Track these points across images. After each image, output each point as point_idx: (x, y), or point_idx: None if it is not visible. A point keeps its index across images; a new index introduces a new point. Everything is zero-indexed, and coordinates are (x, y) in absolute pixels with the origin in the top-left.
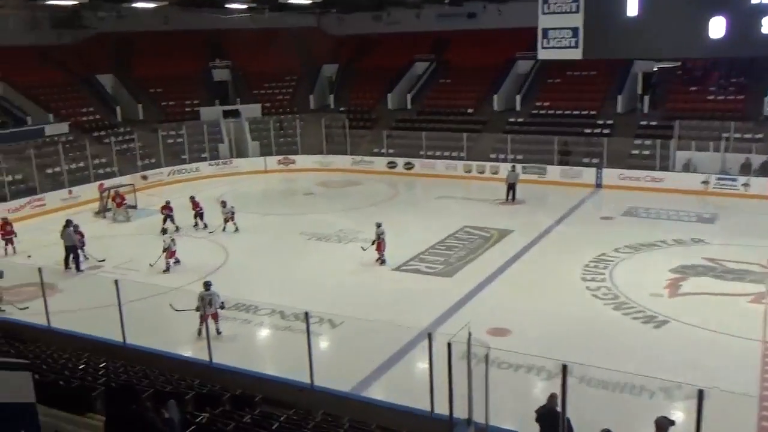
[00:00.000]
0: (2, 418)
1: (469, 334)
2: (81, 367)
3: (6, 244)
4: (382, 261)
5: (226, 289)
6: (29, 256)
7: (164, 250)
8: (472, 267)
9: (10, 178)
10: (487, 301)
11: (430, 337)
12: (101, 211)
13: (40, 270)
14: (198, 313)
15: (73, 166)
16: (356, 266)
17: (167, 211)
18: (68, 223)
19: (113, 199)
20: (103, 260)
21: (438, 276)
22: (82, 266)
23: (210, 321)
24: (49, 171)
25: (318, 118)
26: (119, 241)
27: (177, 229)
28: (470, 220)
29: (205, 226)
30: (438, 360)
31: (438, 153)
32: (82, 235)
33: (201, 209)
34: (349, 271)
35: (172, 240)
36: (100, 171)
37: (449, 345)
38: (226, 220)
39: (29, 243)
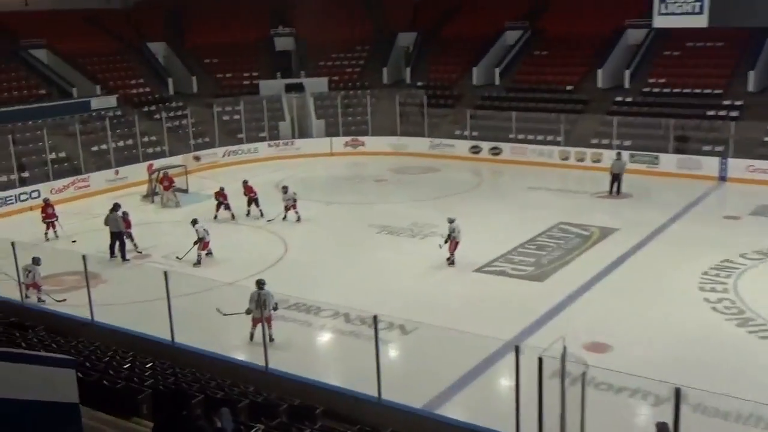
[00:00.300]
0: (44, 418)
1: (564, 348)
2: (126, 366)
3: (47, 228)
4: (451, 262)
5: (284, 286)
6: (74, 241)
7: (197, 242)
8: (567, 270)
9: (53, 155)
10: (585, 310)
11: (517, 350)
12: (149, 195)
13: (84, 258)
14: (250, 316)
15: (121, 144)
16: (432, 265)
17: (222, 198)
18: (115, 207)
19: (161, 182)
20: (141, 251)
21: (527, 280)
22: (129, 255)
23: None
24: (95, 149)
25: (392, 95)
26: (167, 229)
27: (233, 217)
28: (566, 216)
29: (261, 214)
30: (526, 377)
31: (530, 137)
32: (130, 225)
33: (255, 195)
34: (424, 270)
35: (206, 230)
36: (149, 150)
37: (540, 360)
38: (286, 208)
39: (72, 227)
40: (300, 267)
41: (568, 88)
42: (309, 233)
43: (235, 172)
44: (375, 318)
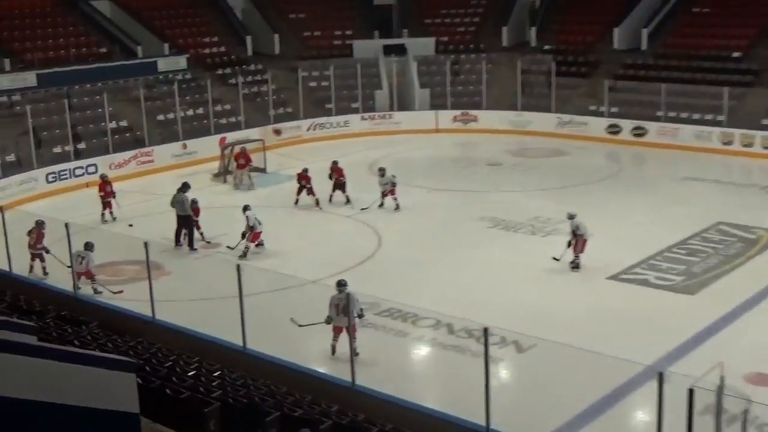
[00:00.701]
0: (100, 427)
1: (721, 379)
2: (191, 373)
3: (104, 208)
4: (575, 266)
5: (375, 288)
6: (131, 225)
7: (246, 233)
8: (726, 282)
9: (113, 124)
10: (747, 333)
11: (660, 378)
12: (221, 173)
13: (146, 245)
14: (330, 325)
15: (190, 112)
16: (554, 268)
17: (305, 180)
18: (184, 187)
19: (237, 159)
20: (209, 241)
21: (675, 292)
22: (196, 244)
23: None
24: (161, 118)
25: (512, 60)
26: (241, 215)
27: (317, 204)
28: (727, 215)
29: (347, 200)
30: (670, 411)
31: (684, 115)
32: (198, 212)
33: (344, 179)
34: (545, 274)
35: (257, 219)
36: (222, 121)
37: (690, 392)
38: (383, 194)
39: (131, 209)
40: (395, 265)
41: (735, 54)
42: (407, 225)
43: (322, 149)
44: (485, 331)
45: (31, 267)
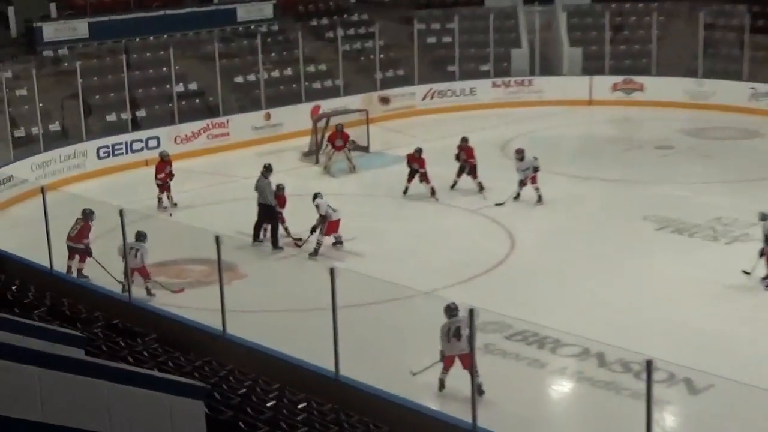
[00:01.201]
0: None
1: None
2: (270, 404)
3: (161, 192)
4: None
5: (505, 303)
6: (170, 214)
7: (318, 225)
8: None
9: (180, 87)
10: None
11: None
12: (312, 152)
13: (217, 240)
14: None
15: (276, 74)
16: (743, 286)
17: (418, 164)
18: (266, 169)
19: (332, 140)
20: (298, 239)
21: None
22: (281, 241)
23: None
24: (239, 80)
25: (692, 12)
26: (336, 204)
27: (432, 193)
28: None
29: (480, 188)
30: None
31: None
32: (284, 203)
33: (474, 161)
34: (730, 293)
35: (330, 207)
36: (317, 85)
37: None
38: (522, 183)
39: (199, 193)
40: (531, 275)
41: None
42: (549, 223)
43: (440, 124)
44: (648, 364)
45: (69, 267)
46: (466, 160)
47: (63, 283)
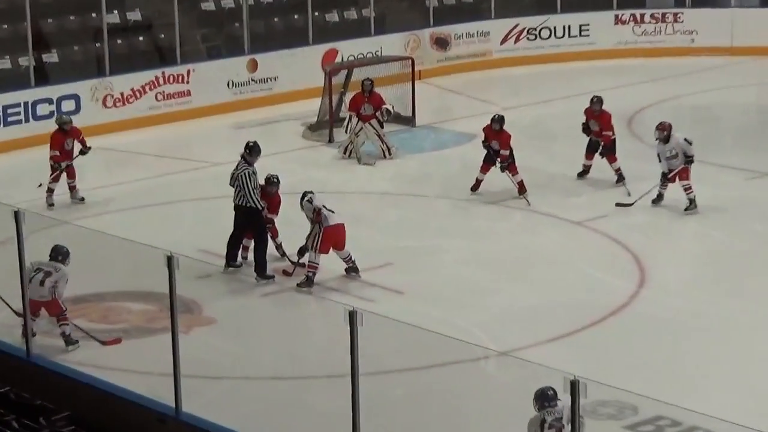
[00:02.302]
0: None
1: None
2: None
3: (53, 179)
4: None
5: (625, 370)
6: (40, 185)
7: (310, 243)
8: None
9: (113, 16)
10: None
11: None
12: (325, 124)
13: (170, 261)
14: None
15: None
16: None
17: (499, 142)
18: (251, 151)
19: (355, 105)
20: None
21: None
22: (270, 265)
23: None
24: (208, 5)
25: None
26: (362, 208)
27: (521, 190)
28: None
29: (620, 177)
30: None
31: None
32: (278, 206)
33: (612, 134)
34: None
35: (326, 207)
36: (332, 16)
37: None
38: (665, 177)
39: (134, 188)
40: (669, 329)
41: None
42: (703, 244)
43: (531, 81)
44: None
45: None
46: (600, 133)
47: None
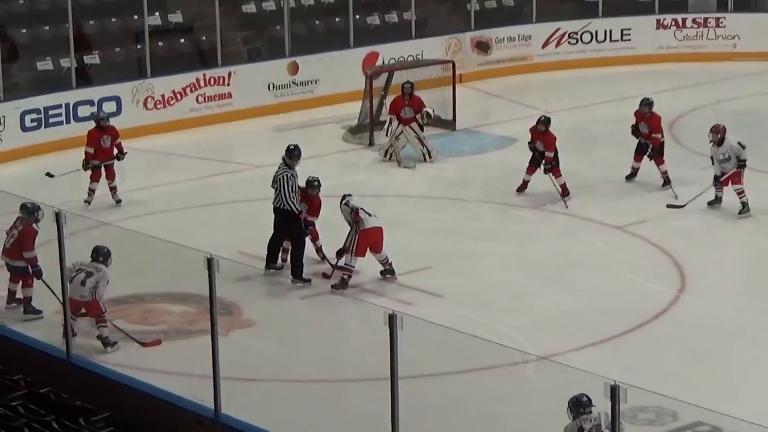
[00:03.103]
0: None
1: None
2: None
3: (93, 180)
4: None
5: (664, 376)
6: (50, 175)
7: (348, 245)
8: None
9: (155, 18)
10: None
11: None
12: (365, 127)
13: (209, 263)
14: None
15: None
16: None
17: (544, 143)
18: (292, 154)
19: (395, 108)
20: (334, 263)
21: None
22: (308, 267)
23: None
24: (249, 8)
25: None
26: (402, 212)
27: (563, 193)
28: None
29: (666, 180)
30: None
31: None
32: (318, 208)
33: (661, 136)
34: None
35: (365, 209)
36: (373, 19)
37: None
38: (718, 180)
39: (174, 190)
40: (710, 335)
41: None
42: (747, 251)
43: (573, 86)
44: None
45: (11, 294)
46: (649, 135)
47: None
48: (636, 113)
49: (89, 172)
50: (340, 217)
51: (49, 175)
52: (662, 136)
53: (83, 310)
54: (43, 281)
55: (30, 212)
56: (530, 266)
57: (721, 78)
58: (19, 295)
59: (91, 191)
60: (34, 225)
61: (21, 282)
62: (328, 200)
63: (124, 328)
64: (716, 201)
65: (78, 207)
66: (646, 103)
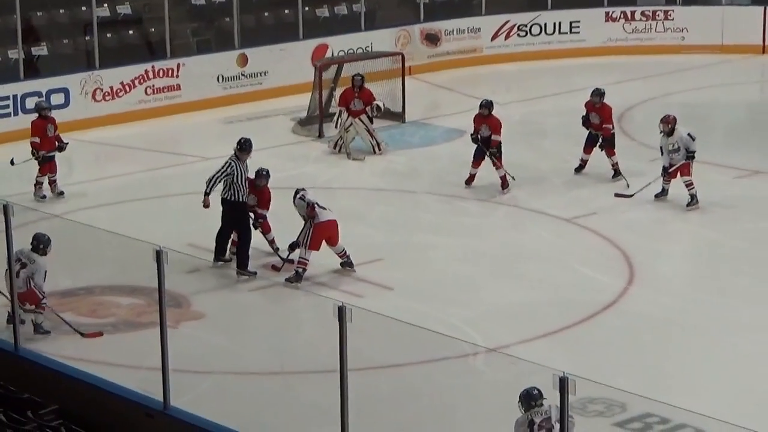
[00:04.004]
0: None
1: None
2: None
3: (42, 171)
4: None
5: (612, 368)
6: (12, 163)
7: (301, 239)
8: None
9: (103, 9)
10: None
11: None
12: (314, 119)
13: (158, 255)
14: None
15: None
16: None
17: (489, 126)
18: (242, 147)
19: (345, 100)
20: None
21: None
22: (255, 260)
23: None
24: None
25: None
26: (351, 204)
27: (504, 183)
28: None
29: (617, 173)
30: None
31: None
32: (268, 200)
33: (611, 127)
34: None
35: (319, 203)
36: (323, 11)
37: None
38: (666, 171)
39: (123, 182)
40: (657, 327)
41: None
42: (693, 242)
43: (521, 78)
44: None
45: None
46: (600, 126)
47: None
48: (587, 104)
49: (37, 164)
50: (290, 209)
51: (11, 162)
52: (613, 127)
53: (27, 304)
54: None
55: None
56: (480, 258)
57: (670, 71)
58: None
59: (39, 184)
60: None
61: None
62: (277, 192)
63: (73, 320)
64: (663, 193)
65: (25, 199)
66: (598, 93)
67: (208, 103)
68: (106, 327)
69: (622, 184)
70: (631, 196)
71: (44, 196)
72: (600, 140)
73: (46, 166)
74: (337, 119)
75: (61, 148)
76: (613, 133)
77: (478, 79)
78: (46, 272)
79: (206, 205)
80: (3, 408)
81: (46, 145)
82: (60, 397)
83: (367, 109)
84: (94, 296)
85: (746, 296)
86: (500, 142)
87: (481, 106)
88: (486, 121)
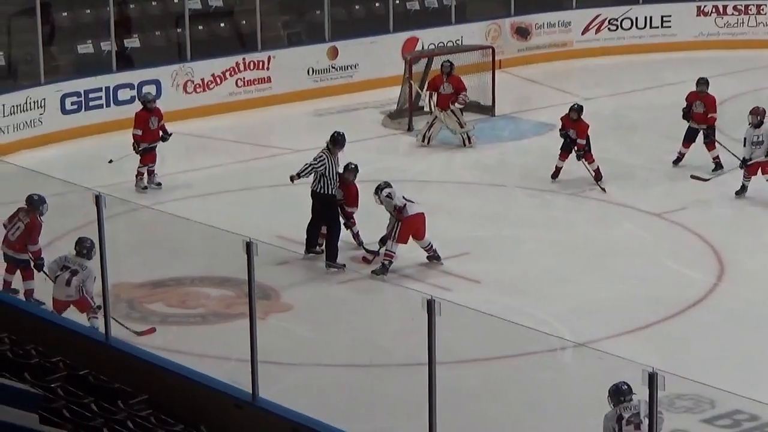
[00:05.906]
0: None
1: None
2: None
3: (143, 162)
4: None
5: (703, 364)
6: (110, 161)
7: (391, 233)
8: None
9: (194, 2)
10: None
11: None
12: (404, 112)
13: (248, 248)
14: None
15: None
16: None
17: (576, 131)
18: (336, 141)
19: (433, 87)
20: (370, 251)
21: None
22: (343, 252)
23: None
24: None
25: None
26: (437, 198)
27: (597, 179)
28: None
29: (719, 165)
30: None
31: None
32: (355, 195)
33: (716, 117)
34: None
35: (406, 198)
36: (413, 4)
37: None
38: (746, 164)
39: (212, 174)
40: (749, 324)
41: None
42: None
43: (612, 72)
44: None
45: (6, 283)
46: (704, 115)
47: (20, 312)
48: (690, 94)
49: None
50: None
51: (110, 161)
52: (716, 116)
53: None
54: (45, 273)
55: (37, 205)
56: (568, 252)
57: (762, 65)
58: (15, 285)
59: (141, 174)
60: (39, 217)
61: (22, 275)
62: (367, 185)
63: (163, 311)
64: (742, 190)
65: (117, 189)
66: (704, 82)
67: (298, 96)
68: (195, 318)
69: (706, 170)
70: (707, 179)
71: (146, 187)
72: (703, 134)
73: (148, 156)
74: (429, 101)
75: (164, 138)
76: (714, 126)
77: (568, 73)
78: (95, 277)
79: (293, 180)
80: (94, 397)
81: (148, 137)
82: (149, 387)
83: (459, 96)
84: (183, 287)
85: None
86: (589, 139)
87: (571, 109)
88: (574, 125)
